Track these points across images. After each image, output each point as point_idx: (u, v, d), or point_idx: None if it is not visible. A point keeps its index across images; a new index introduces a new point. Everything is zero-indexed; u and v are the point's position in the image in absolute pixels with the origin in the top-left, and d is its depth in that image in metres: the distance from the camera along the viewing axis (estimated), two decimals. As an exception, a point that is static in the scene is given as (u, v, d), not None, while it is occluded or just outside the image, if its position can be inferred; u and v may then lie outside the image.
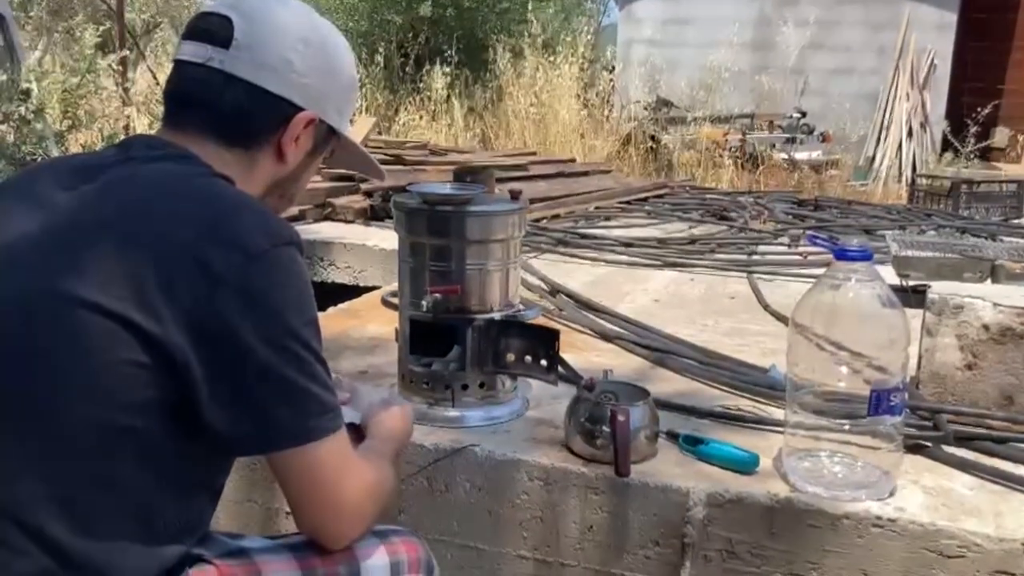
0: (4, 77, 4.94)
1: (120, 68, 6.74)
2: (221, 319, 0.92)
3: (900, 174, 8.94)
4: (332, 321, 2.35)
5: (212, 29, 1.08)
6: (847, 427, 1.38)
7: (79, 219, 0.96)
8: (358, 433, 1.21)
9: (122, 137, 5.41)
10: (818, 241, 1.51)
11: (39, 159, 4.80)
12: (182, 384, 0.92)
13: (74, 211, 0.97)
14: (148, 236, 0.94)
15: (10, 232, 0.97)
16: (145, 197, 0.98)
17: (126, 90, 6.90)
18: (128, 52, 7.35)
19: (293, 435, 0.97)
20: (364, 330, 2.29)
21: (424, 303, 1.57)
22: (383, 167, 4.38)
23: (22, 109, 4.84)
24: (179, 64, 1.10)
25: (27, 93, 4.88)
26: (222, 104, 1.06)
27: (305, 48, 1.10)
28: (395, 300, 1.72)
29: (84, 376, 0.91)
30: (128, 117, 6.50)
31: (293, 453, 0.98)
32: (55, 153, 4.85)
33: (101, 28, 6.25)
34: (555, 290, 2.69)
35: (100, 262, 0.92)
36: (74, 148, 5.39)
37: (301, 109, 1.10)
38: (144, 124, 6.36)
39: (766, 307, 2.62)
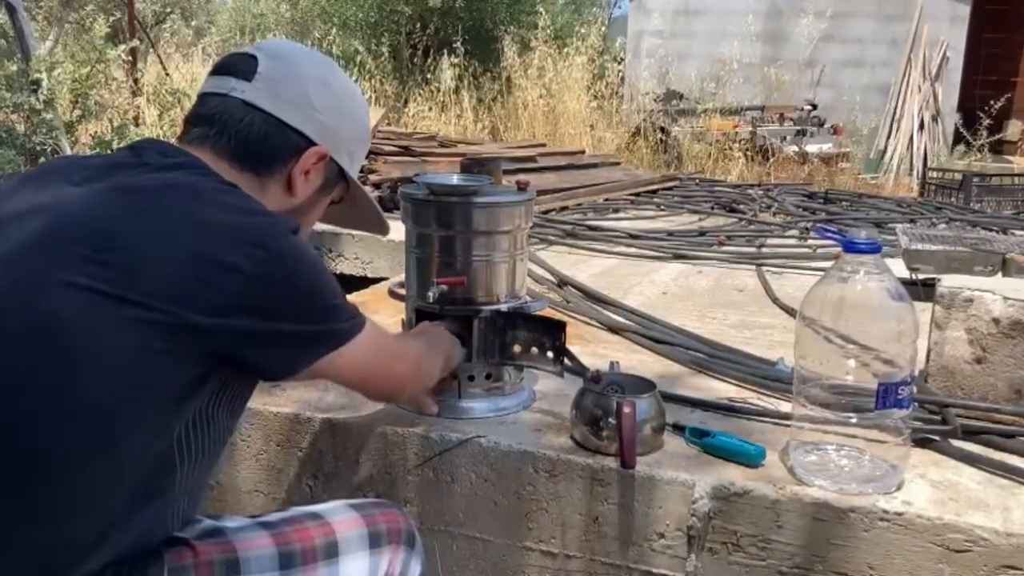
0: (14, 67, 4.96)
1: (130, 58, 6.75)
2: (249, 307, 0.97)
3: (911, 167, 8.90)
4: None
5: (237, 65, 1.14)
6: (854, 420, 1.37)
7: (96, 216, 0.98)
8: None
9: (132, 128, 5.42)
10: (827, 233, 1.50)
11: (49, 149, 4.82)
12: (206, 363, 0.96)
13: (89, 208, 0.99)
14: (170, 236, 0.96)
15: (21, 228, 0.98)
16: (164, 200, 1.00)
17: (136, 80, 6.92)
18: (138, 42, 7.37)
19: (325, 346, 1.07)
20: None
21: (431, 294, 1.57)
22: (392, 159, 4.36)
23: (32, 99, 4.86)
24: (202, 96, 1.15)
25: (37, 83, 4.90)
26: (238, 128, 1.10)
27: (324, 88, 1.16)
28: (402, 291, 1.72)
29: (99, 358, 0.92)
30: (138, 108, 6.51)
31: (332, 357, 1.07)
32: (65, 143, 4.87)
33: (111, 18, 6.26)
34: (562, 282, 2.68)
35: (122, 257, 0.94)
36: (84, 139, 5.40)
37: (314, 144, 1.14)
38: (154, 115, 6.38)
39: (774, 300, 2.61)
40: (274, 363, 1.04)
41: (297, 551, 1.08)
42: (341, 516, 1.15)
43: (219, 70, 1.16)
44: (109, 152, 1.16)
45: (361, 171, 4.03)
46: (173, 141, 1.15)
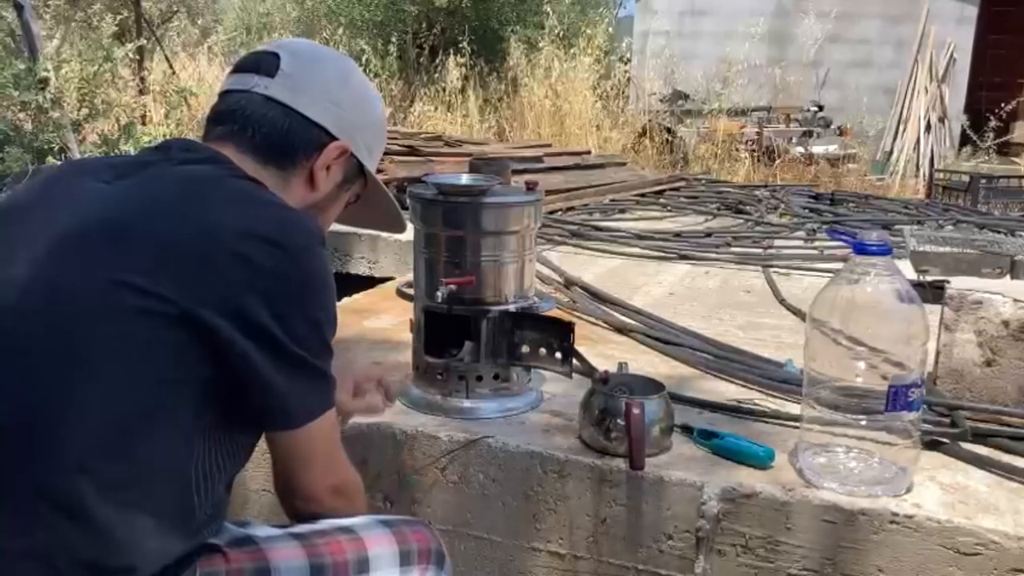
0: (22, 66, 4.96)
1: (137, 57, 6.77)
2: (254, 306, 0.95)
3: (918, 168, 8.88)
4: (347, 312, 2.36)
5: (260, 61, 1.14)
6: (864, 423, 1.37)
7: (119, 210, 0.98)
8: None
9: (139, 127, 5.43)
10: (837, 235, 1.50)
11: (56, 147, 4.82)
12: (215, 364, 0.95)
13: (114, 202, 0.99)
14: (188, 227, 0.96)
15: (50, 224, 0.99)
16: (184, 192, 1.01)
17: (142, 79, 6.94)
18: (145, 41, 7.38)
19: (308, 413, 1.02)
20: (379, 321, 2.29)
21: (439, 294, 1.57)
22: (398, 159, 4.35)
23: (40, 98, 4.86)
24: (224, 93, 1.15)
25: (45, 82, 4.91)
26: (260, 123, 1.11)
27: (343, 84, 1.17)
28: (410, 291, 1.72)
29: (122, 355, 0.92)
30: (144, 107, 6.52)
31: (298, 431, 1.03)
32: (72, 141, 4.87)
33: (119, 17, 6.27)
34: (570, 282, 2.68)
35: (140, 249, 0.95)
36: (91, 137, 5.41)
37: (335, 138, 1.15)
38: (160, 114, 6.38)
39: (782, 301, 2.61)
40: (261, 382, 0.97)
41: (328, 564, 1.07)
42: (373, 532, 1.13)
43: (242, 67, 1.16)
44: (139, 152, 1.16)
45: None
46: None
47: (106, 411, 0.92)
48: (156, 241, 0.95)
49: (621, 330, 2.24)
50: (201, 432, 0.98)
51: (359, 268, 3.29)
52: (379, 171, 4.08)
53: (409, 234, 1.71)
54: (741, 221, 4.07)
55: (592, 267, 3.01)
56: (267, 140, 1.11)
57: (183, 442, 0.97)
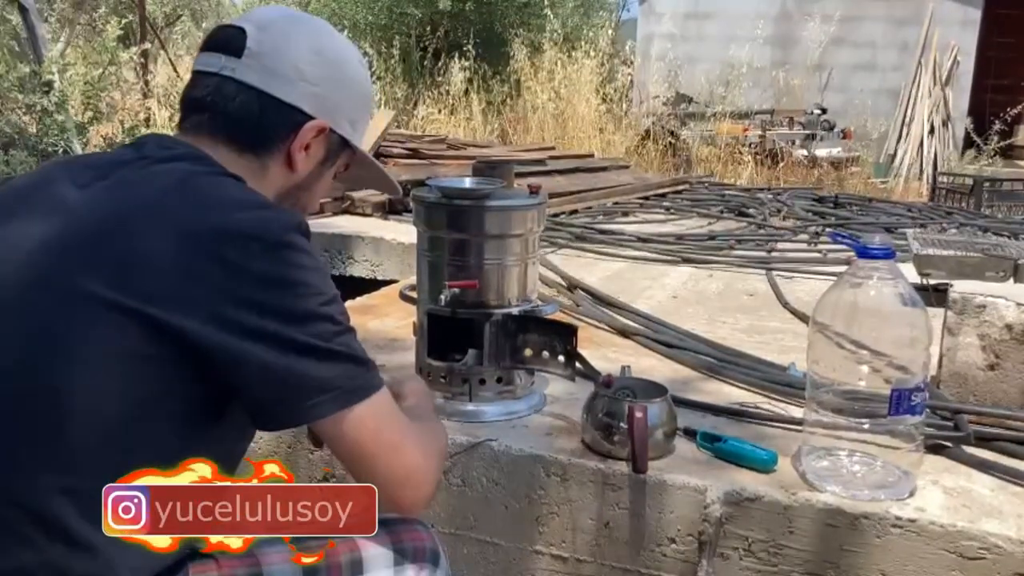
0: (27, 69, 4.98)
1: (141, 60, 6.78)
2: (244, 307, 0.92)
3: (921, 171, 8.88)
4: (350, 313, 2.36)
5: (227, 39, 1.09)
6: (867, 426, 1.36)
7: (93, 217, 0.96)
8: None
9: (143, 130, 5.43)
10: (840, 238, 1.50)
11: (60, 150, 4.83)
12: (203, 373, 0.93)
13: (88, 209, 0.97)
14: (164, 232, 0.94)
15: (27, 231, 0.97)
16: (158, 195, 0.98)
17: (147, 82, 6.95)
18: (149, 45, 7.40)
19: (333, 400, 0.97)
20: (382, 324, 2.30)
21: (442, 297, 1.57)
22: (402, 162, 4.35)
23: (44, 101, 4.88)
24: (194, 74, 1.12)
25: (49, 85, 4.92)
26: (232, 110, 1.07)
27: (317, 59, 1.11)
28: (413, 294, 1.73)
29: (100, 370, 0.91)
30: (149, 109, 6.54)
31: (339, 418, 0.97)
32: (76, 144, 4.88)
33: (123, 20, 6.28)
34: (573, 285, 2.68)
35: (116, 258, 0.92)
36: (95, 140, 5.42)
37: (311, 118, 1.10)
38: (164, 116, 6.40)
39: (785, 304, 2.61)
40: (265, 383, 0.94)
41: (321, 566, 1.05)
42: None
43: (209, 45, 1.11)
44: (111, 149, 1.14)
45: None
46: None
47: (85, 428, 0.90)
48: (131, 251, 0.92)
49: (624, 333, 2.24)
50: (187, 444, 0.96)
51: (362, 271, 3.29)
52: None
53: (412, 237, 1.72)
54: (744, 224, 4.07)
55: (595, 270, 3.01)
56: (240, 127, 1.07)
57: (168, 455, 0.94)
